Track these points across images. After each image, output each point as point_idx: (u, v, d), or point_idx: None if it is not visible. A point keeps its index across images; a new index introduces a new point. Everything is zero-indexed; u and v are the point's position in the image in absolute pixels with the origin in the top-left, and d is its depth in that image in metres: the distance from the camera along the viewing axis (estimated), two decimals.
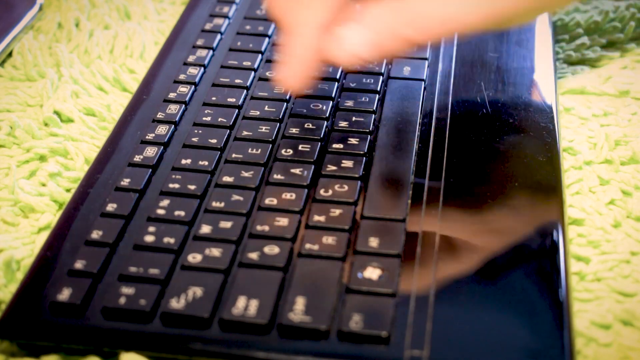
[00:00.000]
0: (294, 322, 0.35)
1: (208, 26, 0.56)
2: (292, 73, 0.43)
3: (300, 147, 0.45)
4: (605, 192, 0.45)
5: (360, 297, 0.37)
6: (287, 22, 0.43)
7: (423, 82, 0.50)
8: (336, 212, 0.41)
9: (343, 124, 0.46)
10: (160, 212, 0.41)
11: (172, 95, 0.50)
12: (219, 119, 0.47)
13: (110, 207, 0.42)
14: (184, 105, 0.49)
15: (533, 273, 0.38)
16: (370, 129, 0.46)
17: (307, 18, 0.43)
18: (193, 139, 0.46)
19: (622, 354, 0.37)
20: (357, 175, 0.43)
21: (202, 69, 0.52)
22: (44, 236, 0.43)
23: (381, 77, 0.50)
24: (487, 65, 0.52)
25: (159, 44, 0.59)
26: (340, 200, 0.41)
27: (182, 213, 0.41)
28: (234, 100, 0.49)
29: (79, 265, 0.38)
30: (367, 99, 0.48)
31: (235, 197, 0.42)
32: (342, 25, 0.42)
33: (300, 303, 0.36)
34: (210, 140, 0.46)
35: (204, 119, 0.47)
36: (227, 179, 0.43)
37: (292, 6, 0.43)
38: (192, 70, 0.52)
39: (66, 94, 0.53)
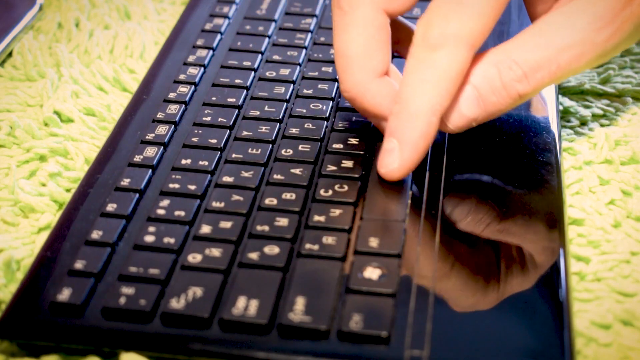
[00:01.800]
0: (294, 322, 0.35)
1: (208, 26, 0.56)
2: (403, 162, 0.41)
3: (300, 147, 0.45)
4: (605, 192, 0.45)
5: (360, 297, 0.37)
6: (404, 100, 0.40)
7: None
8: (336, 212, 0.41)
9: (343, 124, 0.46)
10: (160, 212, 0.41)
11: (172, 95, 0.50)
12: (219, 119, 0.47)
13: (110, 207, 0.42)
14: (184, 105, 0.49)
15: (533, 273, 0.38)
16: (371, 128, 0.46)
17: (430, 100, 0.40)
18: (193, 139, 0.46)
19: (622, 354, 0.37)
20: (357, 175, 0.43)
21: (202, 69, 0.52)
22: (44, 236, 0.43)
23: None
24: None
25: (159, 44, 0.59)
26: (340, 200, 0.41)
27: (182, 213, 0.41)
28: (234, 100, 0.49)
29: (79, 265, 0.38)
30: None
31: (235, 197, 0.42)
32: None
33: (300, 303, 0.36)
34: (210, 140, 0.46)
35: (204, 119, 0.47)
36: (227, 179, 0.43)
37: (413, 83, 0.40)
38: (192, 70, 0.52)
39: (66, 94, 0.53)
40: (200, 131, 0.46)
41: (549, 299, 0.37)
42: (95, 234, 0.40)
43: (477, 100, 0.41)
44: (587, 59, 0.41)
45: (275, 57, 0.52)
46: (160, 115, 0.48)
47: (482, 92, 0.41)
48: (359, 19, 0.42)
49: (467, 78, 0.41)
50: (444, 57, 0.39)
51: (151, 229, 0.40)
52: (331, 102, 0.48)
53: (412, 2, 0.43)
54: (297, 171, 0.43)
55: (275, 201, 0.41)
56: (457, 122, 0.41)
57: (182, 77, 0.51)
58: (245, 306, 0.36)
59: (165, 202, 0.42)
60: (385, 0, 0.42)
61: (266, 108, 0.48)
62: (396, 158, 0.41)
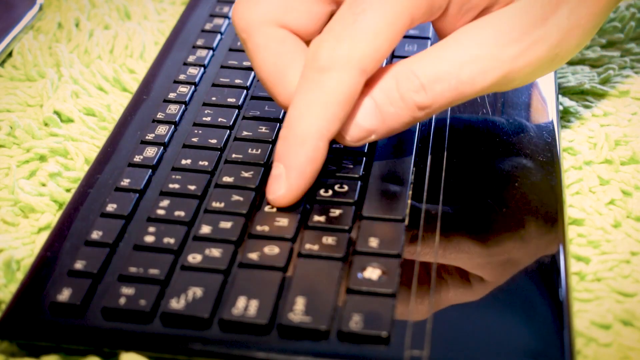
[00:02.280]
0: (294, 322, 0.35)
1: (208, 26, 0.56)
2: (289, 189, 0.40)
3: None
4: (605, 192, 0.45)
5: (360, 297, 0.37)
6: (291, 125, 0.39)
7: None
8: (336, 212, 0.41)
9: None
10: (160, 212, 0.41)
11: (172, 95, 0.50)
12: (219, 119, 0.47)
13: (110, 207, 0.42)
14: (184, 105, 0.49)
15: (533, 273, 0.38)
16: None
17: (317, 124, 0.38)
18: (193, 139, 0.46)
19: (622, 354, 0.37)
20: (357, 176, 0.43)
21: (202, 69, 0.52)
22: (44, 236, 0.44)
23: None
24: None
25: (159, 44, 0.59)
26: (340, 200, 0.41)
27: (182, 213, 0.41)
28: (234, 100, 0.49)
29: (79, 265, 0.38)
30: None
31: (235, 197, 0.42)
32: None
33: (300, 303, 0.36)
34: (210, 140, 0.46)
35: (204, 119, 0.47)
36: (227, 179, 0.43)
37: (301, 105, 0.39)
38: (192, 70, 0.52)
39: (66, 94, 0.53)
40: (200, 131, 0.46)
41: (549, 299, 0.37)
42: (95, 234, 0.40)
43: (375, 112, 0.39)
44: (492, 76, 0.39)
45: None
46: (160, 115, 0.48)
47: (379, 103, 0.39)
48: (259, 42, 0.41)
49: (366, 90, 0.40)
50: (332, 80, 0.38)
51: (151, 229, 0.40)
52: None
53: (314, 15, 0.42)
54: None
55: None
56: (354, 134, 0.40)
57: (182, 77, 0.51)
58: (245, 306, 0.36)
59: (165, 202, 0.42)
60: (278, 17, 0.41)
61: (266, 108, 0.48)
62: (283, 184, 0.40)
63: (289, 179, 0.39)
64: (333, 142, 0.41)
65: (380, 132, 0.40)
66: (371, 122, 0.40)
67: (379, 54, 0.38)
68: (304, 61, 0.40)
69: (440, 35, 0.42)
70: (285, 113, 0.42)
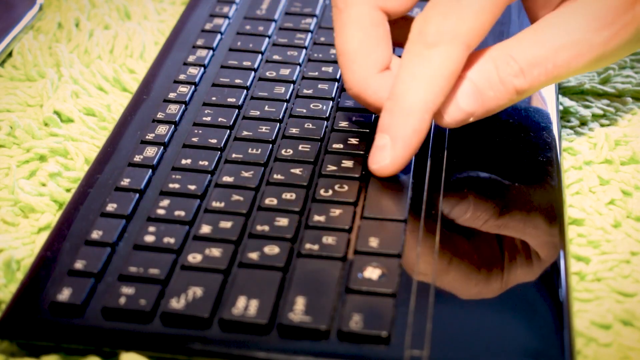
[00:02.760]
0: (294, 322, 0.35)
1: (208, 26, 0.56)
2: (394, 159, 0.41)
3: (300, 147, 0.45)
4: (605, 192, 0.45)
5: (360, 297, 0.37)
6: (398, 97, 0.40)
7: None
8: (336, 212, 0.41)
9: (343, 124, 0.46)
10: (160, 212, 0.41)
11: (172, 95, 0.50)
12: (219, 119, 0.47)
13: (110, 207, 0.42)
14: (184, 105, 0.49)
15: (533, 273, 0.38)
16: (370, 128, 0.46)
17: (424, 97, 0.40)
18: (193, 139, 0.46)
19: (622, 354, 0.37)
20: (357, 175, 0.43)
21: (202, 69, 0.52)
22: (44, 236, 0.43)
23: None
24: None
25: (159, 44, 0.59)
26: (340, 200, 0.41)
27: (182, 213, 0.41)
28: (234, 100, 0.49)
29: (79, 265, 0.38)
30: None
31: (235, 197, 0.42)
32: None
33: (300, 303, 0.36)
34: (210, 140, 0.46)
35: (204, 119, 0.47)
36: (227, 179, 0.43)
37: (407, 79, 0.40)
38: (192, 70, 0.52)
39: (66, 94, 0.53)
40: (200, 131, 0.46)
41: (549, 299, 0.37)
42: (95, 234, 0.40)
43: (475, 95, 0.41)
44: (585, 60, 0.41)
45: (275, 57, 0.52)
46: (160, 115, 0.48)
47: (479, 87, 0.41)
48: (354, 16, 0.42)
49: (465, 73, 0.41)
50: (439, 54, 0.39)
51: (151, 229, 0.40)
52: (331, 102, 0.48)
53: (412, 1, 0.43)
54: (297, 171, 0.43)
55: (275, 201, 0.41)
56: (455, 116, 0.41)
57: (182, 77, 0.51)
58: (245, 306, 0.36)
59: (165, 202, 0.42)
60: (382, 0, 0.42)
61: (266, 108, 0.48)
62: (388, 155, 0.41)
63: (394, 149, 0.41)
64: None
65: (478, 114, 0.41)
66: (471, 105, 0.41)
67: (483, 29, 0.40)
68: (388, 52, 0.42)
69: (529, 14, 0.45)
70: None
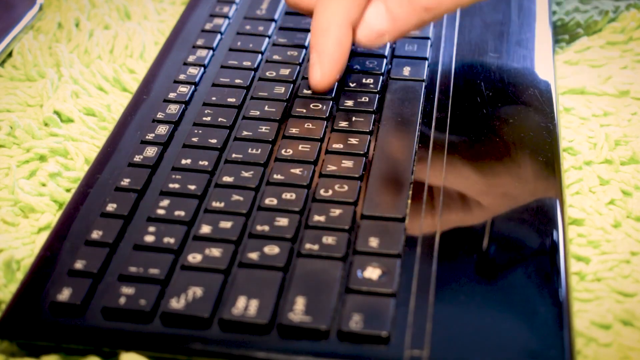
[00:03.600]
0: (294, 322, 0.35)
1: (208, 26, 0.56)
2: (323, 72, 0.44)
3: (300, 147, 0.45)
4: (605, 192, 0.45)
5: (360, 297, 0.37)
6: (316, 19, 0.44)
7: (423, 82, 0.50)
8: (336, 212, 0.41)
9: (343, 123, 0.46)
10: (160, 212, 0.41)
11: (172, 95, 0.50)
12: (219, 119, 0.47)
13: (110, 207, 0.42)
14: (184, 105, 0.49)
15: (533, 273, 0.38)
16: (370, 129, 0.46)
17: (336, 14, 0.43)
18: (193, 139, 0.46)
19: (622, 354, 0.37)
20: (357, 175, 0.43)
21: (202, 69, 0.52)
22: (44, 236, 0.43)
23: (381, 77, 0.50)
24: (487, 65, 0.52)
25: (159, 44, 0.59)
26: (340, 200, 0.41)
27: (182, 213, 0.41)
28: (234, 100, 0.49)
29: (79, 265, 0.38)
30: (367, 99, 0.48)
31: (235, 197, 0.42)
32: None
33: (300, 303, 0.36)
34: (210, 140, 0.46)
35: (204, 119, 0.47)
36: (227, 179, 0.43)
37: (319, 6, 0.44)
38: (192, 70, 0.52)
39: (66, 94, 0.53)
40: (200, 131, 0.46)
41: (549, 299, 0.37)
42: (95, 234, 0.40)
43: (386, 14, 0.44)
44: None
45: (275, 57, 0.52)
46: (160, 115, 0.48)
47: (389, 6, 0.43)
48: None
49: None
50: None
51: (151, 229, 0.40)
52: (331, 102, 0.48)
53: None
54: (297, 171, 0.43)
55: (275, 201, 0.41)
56: (367, 34, 0.44)
57: (182, 77, 0.51)
58: (245, 306, 0.36)
59: (165, 202, 0.42)
60: None
61: (266, 108, 0.48)
62: (318, 69, 0.45)
63: (322, 64, 0.44)
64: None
65: (393, 33, 0.44)
66: (382, 23, 0.44)
67: None
68: None
69: None
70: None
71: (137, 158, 0.45)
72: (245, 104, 0.49)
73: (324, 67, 0.45)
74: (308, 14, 0.47)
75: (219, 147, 0.45)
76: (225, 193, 0.42)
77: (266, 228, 0.40)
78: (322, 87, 0.45)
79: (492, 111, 0.48)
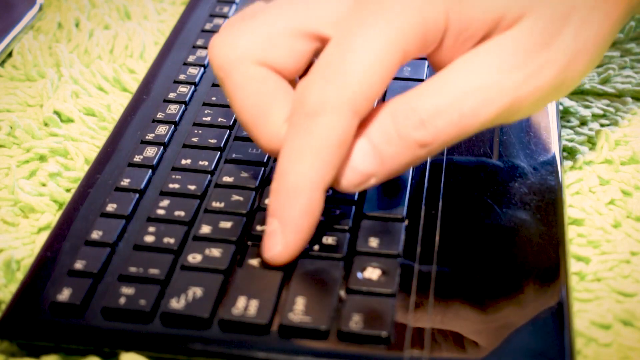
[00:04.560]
0: (294, 322, 0.35)
1: (208, 26, 0.56)
2: (286, 245, 0.37)
3: None
4: (605, 192, 0.45)
5: (360, 297, 0.37)
6: (282, 177, 0.36)
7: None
8: (336, 212, 0.41)
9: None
10: (160, 212, 0.41)
11: (172, 95, 0.50)
12: (219, 119, 0.47)
13: (110, 207, 0.42)
14: (184, 105, 0.49)
15: (533, 273, 0.38)
16: None
17: (309, 174, 0.36)
18: (193, 139, 0.46)
19: (622, 354, 0.37)
20: None
21: (202, 69, 0.52)
22: (44, 236, 0.43)
23: None
24: None
25: (159, 44, 0.59)
26: (340, 201, 0.41)
27: (182, 213, 0.41)
28: None
29: (79, 265, 0.38)
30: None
31: (235, 197, 0.42)
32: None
33: (300, 303, 0.36)
34: (210, 140, 0.46)
35: (204, 119, 0.47)
36: (227, 179, 0.43)
37: (291, 154, 0.36)
38: (192, 70, 0.52)
39: (66, 94, 0.53)
40: (200, 131, 0.46)
41: (549, 299, 0.37)
42: (95, 234, 0.40)
43: (372, 153, 0.36)
44: (497, 106, 0.36)
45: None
46: (160, 115, 0.48)
47: (376, 144, 0.36)
48: (238, 81, 0.38)
49: (361, 130, 0.37)
50: (322, 125, 0.35)
51: (151, 229, 0.40)
52: None
53: (297, 52, 0.38)
54: None
55: None
56: (352, 179, 0.37)
57: (182, 77, 0.51)
58: (245, 306, 0.36)
59: (165, 202, 0.42)
60: (259, 54, 0.38)
61: None
62: (279, 241, 0.37)
63: (284, 235, 0.37)
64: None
65: (381, 175, 0.37)
66: (369, 165, 0.37)
67: (371, 93, 0.35)
68: (287, 101, 0.38)
69: (437, 69, 0.38)
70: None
71: (137, 158, 0.45)
72: None
73: (287, 239, 0.37)
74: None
75: (219, 147, 0.45)
76: (225, 193, 0.42)
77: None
78: (282, 262, 0.37)
79: None
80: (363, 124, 0.37)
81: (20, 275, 0.41)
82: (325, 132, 0.35)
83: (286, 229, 0.36)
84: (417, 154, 0.36)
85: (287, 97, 0.38)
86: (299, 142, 0.36)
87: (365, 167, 0.37)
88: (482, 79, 0.36)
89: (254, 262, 0.38)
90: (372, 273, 0.38)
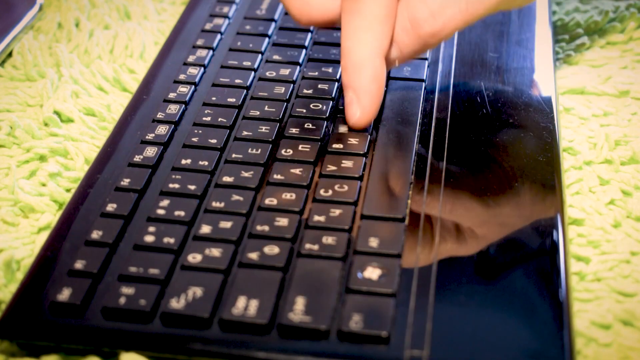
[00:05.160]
0: (294, 322, 0.35)
1: (208, 26, 0.56)
2: (363, 110, 0.43)
3: (300, 147, 0.45)
4: (605, 192, 0.45)
5: (360, 297, 0.37)
6: (347, 53, 0.43)
7: (423, 82, 0.50)
8: (336, 212, 0.41)
9: (343, 124, 0.46)
10: (160, 212, 0.41)
11: (172, 95, 0.50)
12: (219, 119, 0.47)
13: (110, 207, 0.42)
14: (184, 105, 0.49)
15: (533, 273, 0.38)
16: (370, 129, 0.46)
17: (368, 46, 0.42)
18: (193, 139, 0.46)
19: (622, 354, 0.37)
20: (357, 175, 0.43)
21: (202, 69, 0.52)
22: (44, 236, 0.43)
23: None
24: (487, 65, 0.52)
25: (159, 44, 0.59)
26: (340, 200, 0.41)
27: (182, 213, 0.41)
28: (234, 100, 0.49)
29: (79, 265, 0.38)
30: None
31: (235, 197, 0.42)
32: None
33: (300, 303, 0.36)
34: (210, 140, 0.46)
35: (204, 119, 0.47)
36: (227, 179, 0.43)
37: (350, 34, 0.43)
38: (192, 70, 0.52)
39: (66, 94, 0.53)
40: (200, 131, 0.46)
41: (549, 299, 0.37)
42: (95, 234, 0.40)
43: (393, 42, 0.43)
44: None
45: (275, 57, 0.52)
46: (160, 115, 0.48)
47: (395, 33, 0.43)
48: None
49: None
50: (368, 4, 0.42)
51: (151, 229, 0.40)
52: (331, 102, 0.48)
53: None
54: (297, 171, 0.43)
55: (275, 201, 0.41)
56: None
57: (182, 77, 0.51)
58: (245, 306, 0.36)
59: (165, 202, 0.42)
60: None
61: (266, 108, 0.48)
62: (357, 107, 0.43)
63: (360, 101, 0.43)
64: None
65: (401, 60, 0.44)
66: (391, 52, 0.43)
67: None
68: None
69: None
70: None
71: (137, 158, 0.45)
72: (245, 104, 0.49)
73: (363, 104, 0.43)
74: (327, 26, 0.47)
75: (219, 147, 0.45)
76: (225, 193, 0.42)
77: (266, 228, 0.40)
78: (363, 125, 0.44)
79: (492, 111, 0.48)
80: None
81: (20, 275, 0.41)
82: (371, 10, 0.42)
83: (360, 95, 0.43)
84: (428, 41, 0.43)
85: None
86: (353, 23, 0.42)
87: (389, 54, 0.43)
88: None
89: (253, 255, 0.38)
90: (372, 273, 0.38)
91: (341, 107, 0.48)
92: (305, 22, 0.46)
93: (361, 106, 0.43)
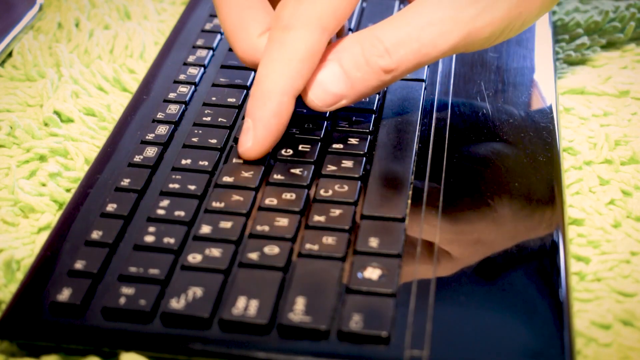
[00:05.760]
0: (294, 322, 0.35)
1: (208, 26, 0.56)
2: (256, 140, 0.42)
3: (300, 147, 0.45)
4: (605, 192, 0.45)
5: (360, 297, 0.37)
6: (257, 84, 0.42)
7: (423, 82, 0.50)
8: (336, 212, 0.41)
9: (343, 124, 0.46)
10: (160, 212, 0.41)
11: (172, 95, 0.50)
12: (219, 119, 0.47)
13: (110, 207, 0.42)
14: (184, 105, 0.49)
15: (533, 273, 0.38)
16: (370, 129, 0.46)
17: (279, 82, 0.41)
18: (193, 139, 0.46)
19: (622, 354, 0.37)
20: (357, 175, 0.43)
21: (202, 69, 0.52)
22: (44, 236, 0.43)
23: None
24: (487, 65, 0.52)
25: (159, 44, 0.59)
26: (340, 200, 0.41)
27: (182, 213, 0.41)
28: (234, 100, 0.49)
29: (79, 265, 0.38)
30: (367, 99, 0.48)
31: (235, 197, 0.42)
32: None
33: (300, 303, 0.36)
34: (210, 140, 0.46)
35: (204, 119, 0.47)
36: (227, 179, 0.43)
37: (267, 63, 0.41)
38: (192, 70, 0.52)
39: (66, 94, 0.53)
40: (200, 131, 0.46)
41: (549, 299, 0.37)
42: (95, 234, 0.40)
43: (343, 77, 0.41)
44: (453, 37, 0.41)
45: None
46: (160, 115, 0.48)
47: (346, 69, 0.41)
48: None
49: (333, 56, 0.42)
50: (293, 38, 0.41)
51: (151, 229, 0.40)
52: None
53: None
54: (297, 171, 0.43)
55: (275, 201, 0.41)
56: (324, 98, 0.42)
57: (182, 77, 0.51)
58: (245, 306, 0.36)
59: (165, 202, 0.42)
60: None
61: None
62: (250, 137, 0.42)
63: (255, 132, 0.42)
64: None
65: (351, 97, 0.42)
66: (340, 87, 0.42)
67: (338, 12, 0.41)
68: (265, 18, 0.44)
69: (409, 1, 0.44)
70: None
71: (137, 158, 0.45)
72: (245, 104, 0.49)
73: (258, 136, 0.42)
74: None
75: (219, 147, 0.45)
76: (225, 193, 0.42)
77: (266, 228, 0.40)
78: (252, 156, 0.43)
79: (492, 111, 0.48)
80: (335, 50, 0.42)
81: (20, 275, 0.41)
82: (295, 45, 0.41)
83: (257, 126, 0.42)
84: (382, 78, 0.42)
85: (266, 14, 0.44)
86: (274, 54, 0.41)
87: (338, 89, 0.42)
88: (439, 13, 0.41)
89: (253, 255, 0.38)
90: (372, 273, 0.38)
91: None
92: (246, 61, 0.45)
93: (255, 137, 0.42)
